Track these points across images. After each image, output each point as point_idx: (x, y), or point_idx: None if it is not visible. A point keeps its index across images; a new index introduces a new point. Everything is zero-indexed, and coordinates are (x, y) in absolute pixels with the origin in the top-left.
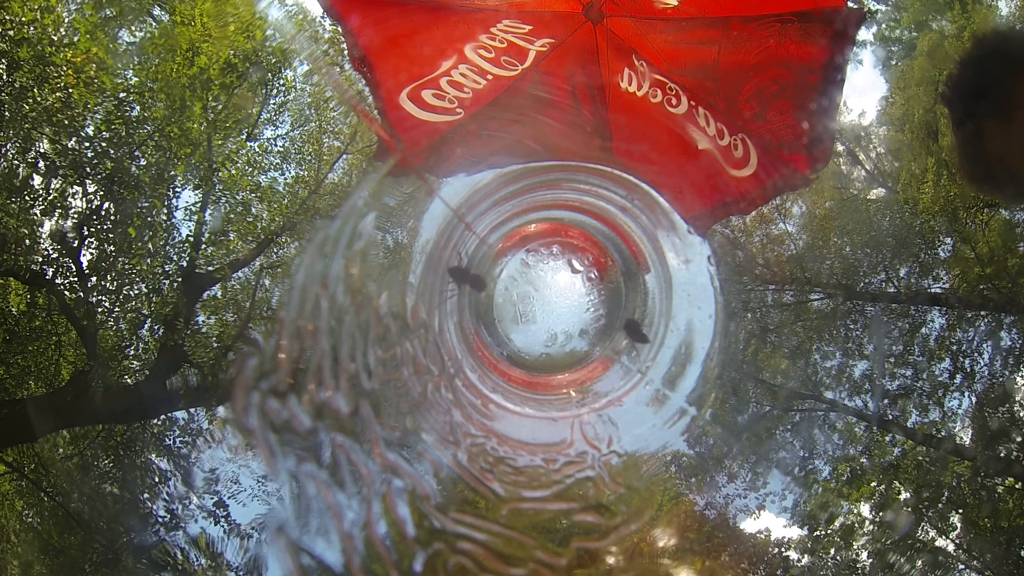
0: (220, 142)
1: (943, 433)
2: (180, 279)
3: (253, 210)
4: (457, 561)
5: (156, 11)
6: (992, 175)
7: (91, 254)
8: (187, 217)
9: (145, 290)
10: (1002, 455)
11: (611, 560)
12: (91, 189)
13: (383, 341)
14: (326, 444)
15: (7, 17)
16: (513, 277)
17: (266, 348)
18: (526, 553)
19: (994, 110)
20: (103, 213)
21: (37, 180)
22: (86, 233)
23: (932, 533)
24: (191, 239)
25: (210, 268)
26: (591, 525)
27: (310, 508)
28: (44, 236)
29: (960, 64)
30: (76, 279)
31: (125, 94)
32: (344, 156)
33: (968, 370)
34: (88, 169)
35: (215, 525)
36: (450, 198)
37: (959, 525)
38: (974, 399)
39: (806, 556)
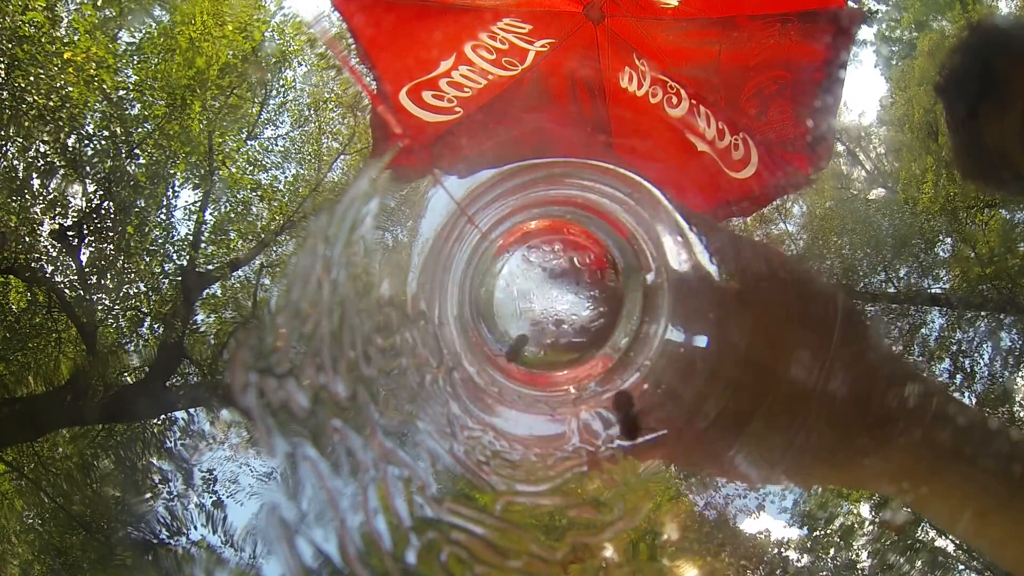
0: (220, 141)
1: None
2: (180, 278)
3: (253, 209)
4: (452, 551)
5: (156, 11)
6: (989, 168)
7: (91, 252)
8: (187, 216)
9: (145, 288)
10: None
11: (606, 555)
12: (91, 188)
13: (383, 330)
14: (323, 432)
15: (5, 17)
16: (514, 273)
17: (266, 331)
18: (521, 546)
19: (990, 100)
20: (103, 211)
21: (37, 179)
22: (86, 231)
23: (932, 533)
24: (191, 238)
25: (210, 267)
26: (587, 520)
27: (306, 496)
28: (44, 234)
29: (954, 53)
30: (76, 277)
31: (125, 92)
32: (343, 156)
33: (968, 370)
34: (88, 168)
35: (215, 525)
36: (452, 193)
37: None
38: (974, 399)
39: (806, 556)
